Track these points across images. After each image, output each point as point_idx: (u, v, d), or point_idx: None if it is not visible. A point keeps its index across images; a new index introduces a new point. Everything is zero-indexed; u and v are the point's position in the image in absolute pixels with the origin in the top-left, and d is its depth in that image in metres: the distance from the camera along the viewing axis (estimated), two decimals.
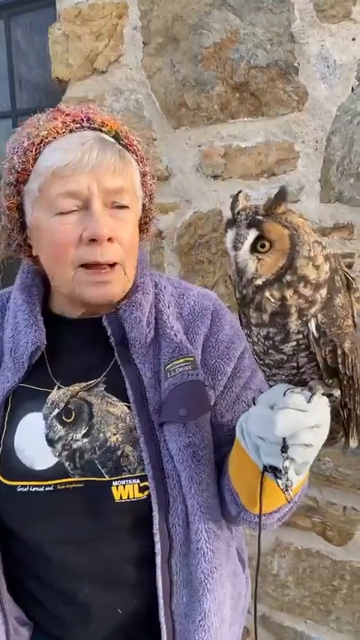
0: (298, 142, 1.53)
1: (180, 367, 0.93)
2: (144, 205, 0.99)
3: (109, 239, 0.87)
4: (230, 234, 0.70)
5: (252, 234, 0.68)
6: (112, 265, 0.89)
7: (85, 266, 0.88)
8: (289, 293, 0.68)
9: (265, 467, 0.74)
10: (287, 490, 0.73)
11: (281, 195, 0.68)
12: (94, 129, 0.89)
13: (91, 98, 1.86)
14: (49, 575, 0.94)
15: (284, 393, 0.71)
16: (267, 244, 0.68)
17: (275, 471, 0.73)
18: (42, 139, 0.87)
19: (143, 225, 1.02)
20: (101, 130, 0.89)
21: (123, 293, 0.94)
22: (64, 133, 0.88)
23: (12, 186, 0.91)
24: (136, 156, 0.93)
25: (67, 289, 0.92)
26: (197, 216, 1.73)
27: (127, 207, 0.90)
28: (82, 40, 1.84)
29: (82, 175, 0.85)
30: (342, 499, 1.61)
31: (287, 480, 0.72)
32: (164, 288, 1.02)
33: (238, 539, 1.05)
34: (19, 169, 0.89)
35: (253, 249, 0.69)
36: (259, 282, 0.69)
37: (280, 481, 0.73)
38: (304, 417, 0.69)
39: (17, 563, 0.96)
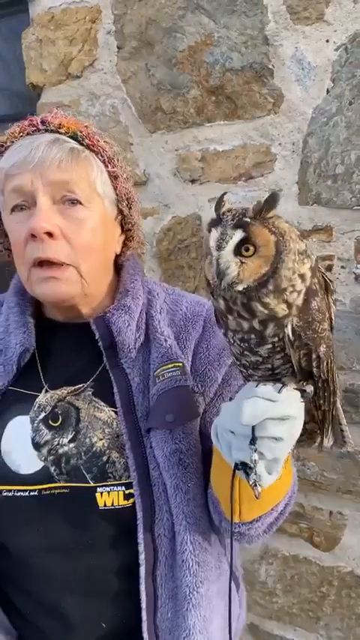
0: (274, 144, 1.52)
1: (168, 372, 0.91)
2: (122, 211, 0.97)
3: (50, 235, 0.85)
4: (214, 234, 0.66)
5: (238, 235, 0.65)
6: (63, 265, 0.87)
7: (39, 264, 0.87)
8: (275, 301, 0.66)
9: (236, 465, 0.73)
10: (255, 486, 0.71)
11: (272, 200, 0.66)
12: (51, 131, 0.89)
13: (67, 103, 1.83)
14: (32, 584, 0.91)
15: (256, 385, 0.71)
16: (251, 248, 0.65)
17: (246, 468, 0.71)
18: (2, 144, 0.90)
19: (127, 233, 1.01)
20: (59, 132, 0.89)
21: (80, 294, 0.91)
22: (21, 136, 0.89)
23: None
24: (102, 156, 0.92)
25: (29, 289, 0.92)
26: (176, 221, 1.71)
27: (79, 202, 0.88)
28: (55, 44, 1.82)
29: (27, 172, 0.86)
30: (328, 504, 1.59)
31: (255, 474, 0.70)
32: (157, 294, 1.01)
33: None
34: None
35: (237, 251, 0.65)
36: (239, 287, 0.66)
37: (249, 477, 0.71)
38: (272, 407, 0.68)
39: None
